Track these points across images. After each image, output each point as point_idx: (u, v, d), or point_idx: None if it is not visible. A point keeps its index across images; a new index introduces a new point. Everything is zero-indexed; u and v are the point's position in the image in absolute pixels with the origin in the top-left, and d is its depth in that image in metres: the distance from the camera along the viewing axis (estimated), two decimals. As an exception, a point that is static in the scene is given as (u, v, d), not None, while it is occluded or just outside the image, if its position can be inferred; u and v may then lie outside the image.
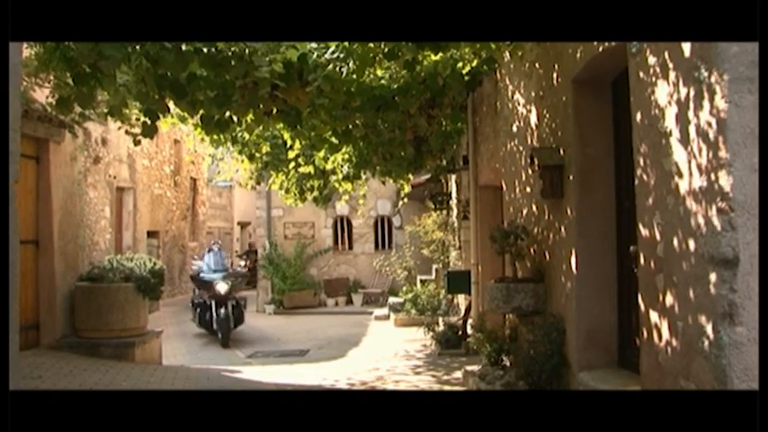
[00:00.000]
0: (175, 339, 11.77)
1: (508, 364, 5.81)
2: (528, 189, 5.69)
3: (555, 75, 4.97)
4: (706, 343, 2.80)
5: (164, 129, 7.96)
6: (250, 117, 6.31)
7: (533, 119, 5.57)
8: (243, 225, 26.62)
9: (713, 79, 2.75)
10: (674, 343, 3.13)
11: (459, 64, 6.76)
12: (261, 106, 5.84)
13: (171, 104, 5.61)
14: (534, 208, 5.53)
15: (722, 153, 2.70)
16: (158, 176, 15.41)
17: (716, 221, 2.73)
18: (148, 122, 5.48)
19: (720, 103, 2.71)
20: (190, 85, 5.05)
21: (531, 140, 5.60)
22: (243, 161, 10.85)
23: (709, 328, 2.78)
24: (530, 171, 5.40)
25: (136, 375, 7.29)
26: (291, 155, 9.81)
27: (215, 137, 8.21)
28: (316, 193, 11.74)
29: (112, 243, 11.00)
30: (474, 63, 6.67)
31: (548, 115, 5.19)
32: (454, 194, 11.54)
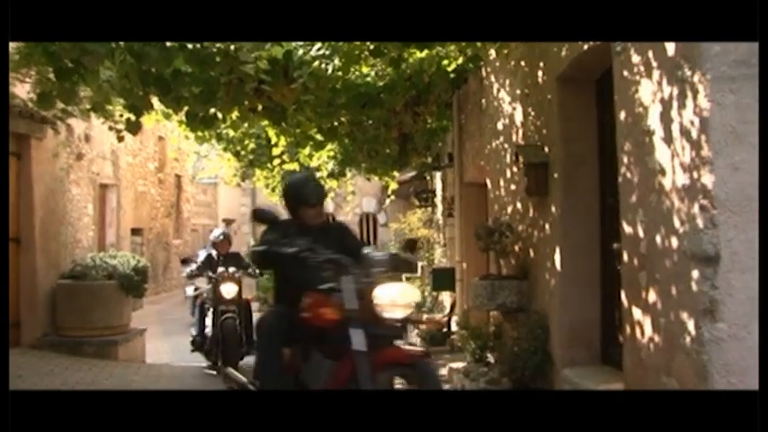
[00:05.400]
0: (159, 337, 11.69)
1: (492, 360, 5.83)
2: (513, 186, 5.71)
3: (540, 72, 4.99)
4: (687, 339, 2.83)
5: (148, 125, 7.90)
6: (235, 114, 6.29)
7: (518, 116, 5.59)
8: (228, 222, 26.51)
9: (696, 78, 2.77)
10: (657, 339, 3.16)
11: (445, 61, 6.76)
12: (246, 103, 5.82)
13: (155, 101, 5.57)
14: (519, 205, 5.55)
15: (704, 151, 2.72)
16: (142, 173, 15.28)
17: (698, 219, 2.76)
18: (132, 119, 5.44)
19: (703, 101, 2.73)
20: (174, 81, 5.01)
21: (516, 138, 5.62)
22: (228, 159, 10.81)
23: (690, 325, 2.81)
24: (514, 168, 5.42)
25: (119, 374, 7.24)
26: (276, 152, 9.79)
27: (200, 133, 8.17)
28: (301, 190, 11.70)
29: (95, 240, 10.89)
30: (460, 61, 6.68)
31: (533, 113, 5.21)
32: (439, 192, 11.55)
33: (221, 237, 8.21)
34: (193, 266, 7.92)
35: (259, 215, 4.33)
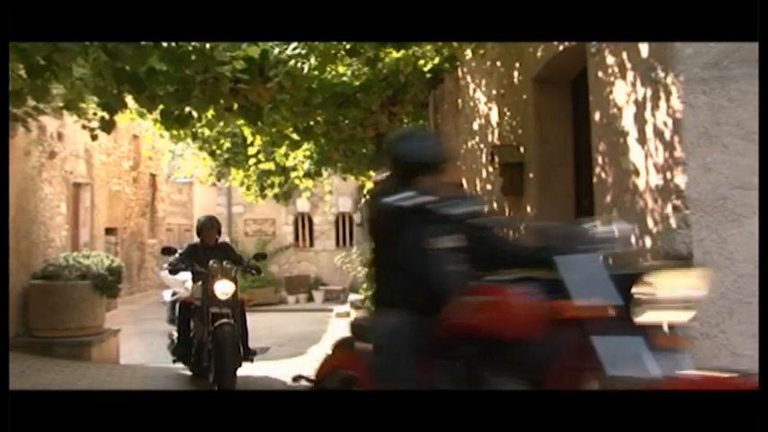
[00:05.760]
0: (134, 338, 11.57)
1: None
2: (488, 186, 5.73)
3: (516, 73, 5.02)
4: (661, 337, 2.86)
5: (122, 124, 7.80)
6: (210, 113, 6.24)
7: (494, 117, 5.62)
8: (203, 222, 26.27)
9: (669, 80, 2.81)
10: (631, 338, 3.19)
11: (421, 61, 6.79)
12: (221, 102, 5.78)
13: (129, 99, 5.51)
14: (494, 205, 5.58)
15: (677, 152, 2.76)
16: (116, 172, 15.09)
17: (671, 219, 2.80)
18: (106, 117, 5.38)
19: (676, 103, 2.77)
20: (149, 79, 4.96)
21: (492, 138, 5.65)
22: (204, 158, 10.74)
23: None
24: (490, 168, 5.45)
25: (92, 375, 7.14)
26: (252, 151, 9.74)
27: (174, 132, 8.10)
28: (276, 189, 11.67)
29: (69, 240, 10.75)
30: (436, 61, 6.70)
31: (508, 113, 5.24)
32: (416, 191, 11.58)
33: (209, 223, 6.69)
34: (176, 257, 6.44)
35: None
